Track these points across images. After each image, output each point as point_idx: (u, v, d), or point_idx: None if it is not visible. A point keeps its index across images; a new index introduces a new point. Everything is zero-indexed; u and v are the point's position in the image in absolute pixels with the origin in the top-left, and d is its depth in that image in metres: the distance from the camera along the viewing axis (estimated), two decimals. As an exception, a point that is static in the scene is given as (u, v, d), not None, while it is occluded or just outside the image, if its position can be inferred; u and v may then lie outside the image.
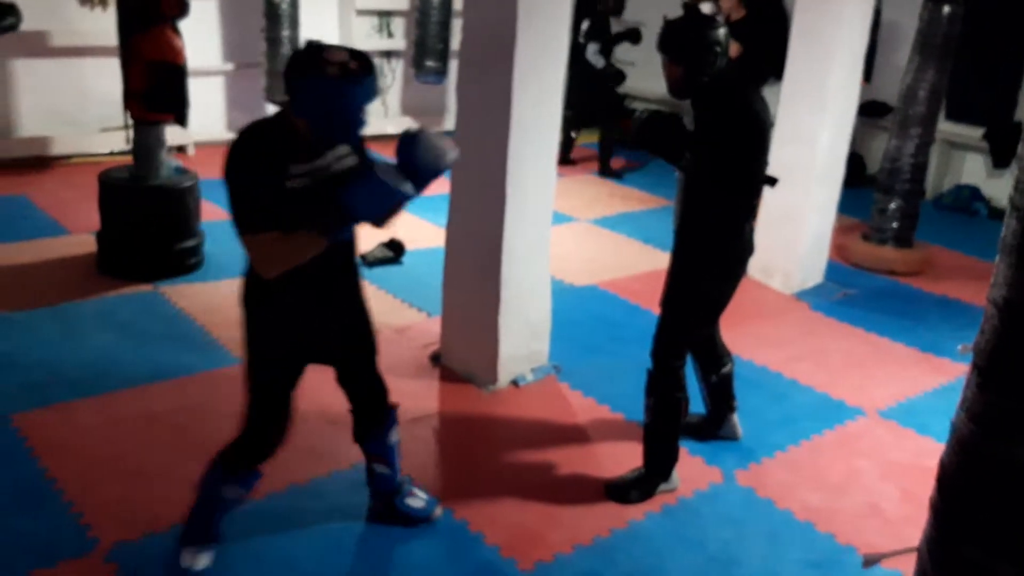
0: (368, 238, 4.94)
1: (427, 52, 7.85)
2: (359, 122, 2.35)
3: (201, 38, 6.92)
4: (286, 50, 7.16)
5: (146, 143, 4.86)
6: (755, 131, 2.99)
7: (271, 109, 7.13)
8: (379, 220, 2.46)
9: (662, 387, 3.20)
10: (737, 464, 3.55)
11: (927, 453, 3.67)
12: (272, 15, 7.18)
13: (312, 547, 2.89)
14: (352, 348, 2.74)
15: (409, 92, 8.71)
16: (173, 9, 4.60)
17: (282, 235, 2.29)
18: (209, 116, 7.43)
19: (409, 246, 5.50)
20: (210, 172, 5.70)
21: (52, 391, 3.68)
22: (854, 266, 5.98)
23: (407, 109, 8.77)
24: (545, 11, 3.61)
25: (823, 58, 5.11)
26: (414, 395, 3.78)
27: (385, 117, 8.38)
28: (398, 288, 5.01)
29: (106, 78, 6.50)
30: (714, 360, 3.57)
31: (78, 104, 6.94)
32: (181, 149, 7.23)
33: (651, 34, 4.11)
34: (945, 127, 7.37)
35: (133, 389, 3.76)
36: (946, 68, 5.68)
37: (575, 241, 6.14)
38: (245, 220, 2.30)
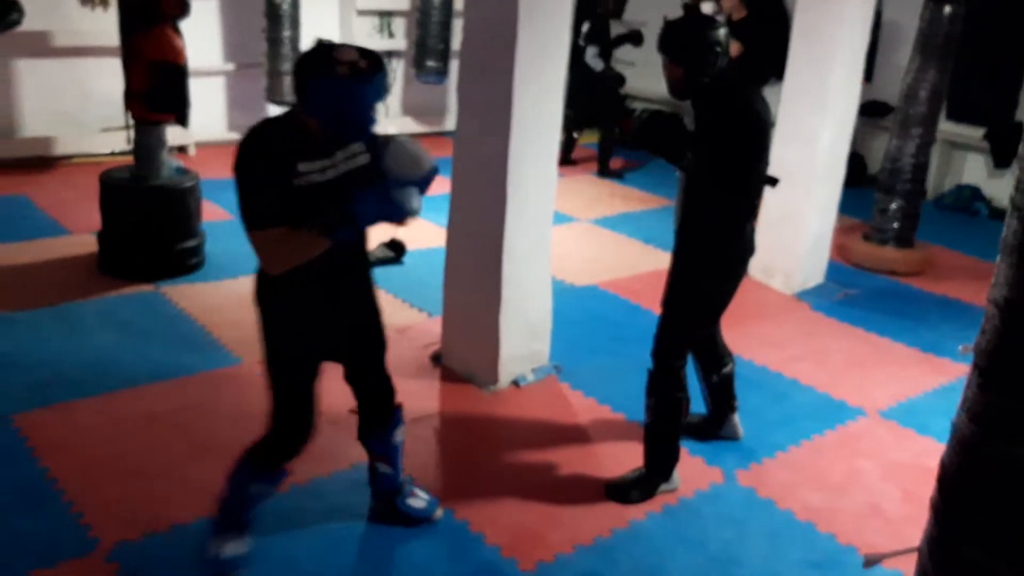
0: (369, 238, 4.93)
1: (428, 52, 7.85)
2: (370, 120, 2.36)
3: (202, 38, 6.91)
4: (287, 50, 7.16)
5: (147, 143, 4.86)
6: (756, 131, 2.99)
7: (272, 109, 7.14)
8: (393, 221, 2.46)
9: (663, 387, 3.20)
10: (738, 464, 3.55)
11: (928, 453, 3.67)
12: (273, 15, 7.18)
13: (313, 547, 2.89)
14: (362, 345, 2.75)
15: (410, 92, 8.71)
16: (174, 9, 4.60)
17: (288, 232, 2.31)
18: (210, 116, 7.43)
19: (410, 246, 5.50)
20: (211, 172, 5.78)
21: (53, 391, 3.68)
22: (855, 266, 5.98)
23: (408, 109, 8.77)
24: (546, 11, 3.61)
25: (824, 58, 5.11)
26: (415, 395, 3.78)
27: (386, 117, 8.38)
28: (399, 288, 5.01)
29: (107, 78, 6.51)
30: (715, 360, 3.57)
31: (79, 104, 6.94)
32: (182, 149, 7.23)
33: (652, 34, 4.10)
34: (946, 127, 7.36)
35: (134, 389, 3.76)
36: (947, 68, 5.67)
37: (576, 241, 6.14)
38: (252, 216, 2.32)
